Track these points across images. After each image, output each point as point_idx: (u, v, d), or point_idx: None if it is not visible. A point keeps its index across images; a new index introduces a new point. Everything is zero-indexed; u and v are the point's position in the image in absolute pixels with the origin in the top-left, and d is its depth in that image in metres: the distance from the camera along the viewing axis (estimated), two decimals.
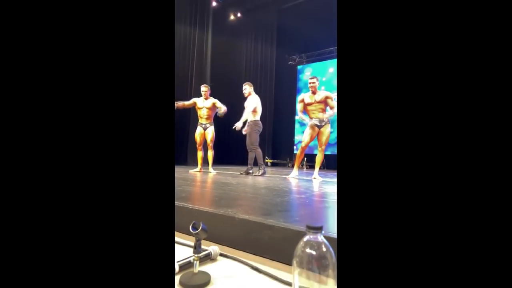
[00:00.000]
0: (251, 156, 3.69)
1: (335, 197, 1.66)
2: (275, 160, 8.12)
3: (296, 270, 0.51)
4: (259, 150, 3.64)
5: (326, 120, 3.31)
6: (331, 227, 0.91)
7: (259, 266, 0.84)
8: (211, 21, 6.80)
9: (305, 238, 0.52)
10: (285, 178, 3.34)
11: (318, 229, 0.51)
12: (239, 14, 8.13)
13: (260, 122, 3.72)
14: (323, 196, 1.76)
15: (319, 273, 0.50)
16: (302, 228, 0.84)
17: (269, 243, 0.91)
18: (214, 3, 7.16)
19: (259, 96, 3.80)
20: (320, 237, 0.51)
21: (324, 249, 0.50)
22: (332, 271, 0.49)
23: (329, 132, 3.34)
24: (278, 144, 8.38)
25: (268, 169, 5.92)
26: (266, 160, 7.94)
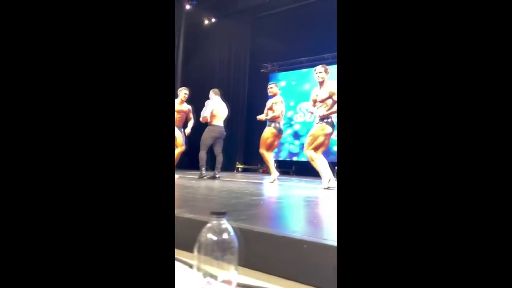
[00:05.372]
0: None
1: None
2: (246, 166, 8.12)
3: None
4: (201, 153, 3.64)
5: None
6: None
7: None
8: (184, 24, 6.76)
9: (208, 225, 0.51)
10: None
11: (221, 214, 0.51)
12: (213, 19, 8.15)
13: (215, 127, 3.72)
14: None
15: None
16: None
17: None
18: (188, 6, 7.13)
19: (231, 101, 3.80)
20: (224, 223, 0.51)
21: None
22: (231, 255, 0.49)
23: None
24: (250, 149, 8.39)
25: (238, 175, 5.90)
26: (237, 165, 7.92)
